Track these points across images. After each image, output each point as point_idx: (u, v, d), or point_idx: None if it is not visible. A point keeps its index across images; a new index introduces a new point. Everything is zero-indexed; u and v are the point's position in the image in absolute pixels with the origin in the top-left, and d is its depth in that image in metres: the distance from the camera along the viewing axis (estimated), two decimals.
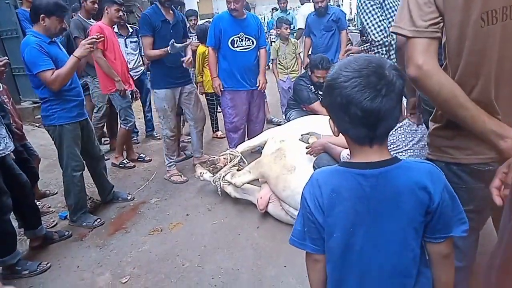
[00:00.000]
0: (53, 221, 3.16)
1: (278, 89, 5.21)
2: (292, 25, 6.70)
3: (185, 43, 3.47)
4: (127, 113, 4.03)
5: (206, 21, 6.16)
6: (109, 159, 4.42)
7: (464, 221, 0.97)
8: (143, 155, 4.40)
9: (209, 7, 16.99)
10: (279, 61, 5.03)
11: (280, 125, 4.86)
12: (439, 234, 0.96)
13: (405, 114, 0.95)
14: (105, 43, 3.76)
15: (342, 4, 16.18)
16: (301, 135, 2.86)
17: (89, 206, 3.28)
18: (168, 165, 3.78)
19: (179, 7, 5.02)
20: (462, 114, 1.14)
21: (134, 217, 3.17)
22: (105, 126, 4.68)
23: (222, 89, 3.75)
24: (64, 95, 2.80)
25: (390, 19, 2.75)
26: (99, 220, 3.09)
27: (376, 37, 2.76)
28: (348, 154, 2.23)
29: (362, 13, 2.79)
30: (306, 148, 2.62)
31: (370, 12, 2.74)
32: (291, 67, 5.04)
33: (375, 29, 2.77)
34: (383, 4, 2.76)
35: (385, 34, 2.75)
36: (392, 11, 2.77)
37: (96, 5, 4.18)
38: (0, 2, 5.45)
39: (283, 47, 4.99)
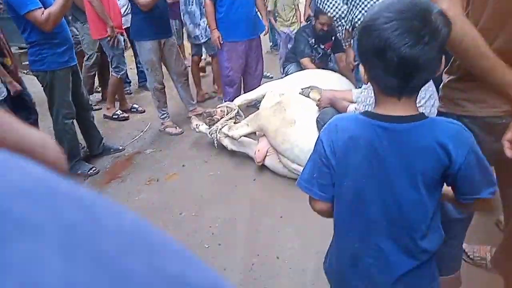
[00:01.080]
0: None
1: (275, 46, 5.05)
2: None
3: None
4: (119, 60, 3.89)
5: None
6: (101, 108, 4.33)
7: (492, 183, 0.93)
8: (136, 106, 4.31)
9: None
10: (278, 12, 4.84)
11: (271, 79, 4.80)
12: (466, 196, 0.94)
13: (442, 67, 0.88)
14: None
15: None
16: (302, 89, 2.82)
17: (82, 155, 3.23)
18: (161, 117, 3.72)
19: None
20: (482, 64, 1.11)
21: (129, 167, 3.16)
22: (96, 75, 4.51)
23: (221, 42, 3.61)
24: (54, 38, 2.65)
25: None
26: (94, 168, 3.06)
27: (332, 13, 3.05)
28: (355, 108, 2.21)
29: None
30: (316, 104, 2.60)
31: None
32: (291, 19, 4.85)
33: (328, 6, 3.05)
34: None
35: (339, 7, 3.02)
36: None
37: None
38: None
39: None
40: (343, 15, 3.06)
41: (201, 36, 4.19)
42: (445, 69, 1.33)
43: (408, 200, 0.93)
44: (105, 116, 4.10)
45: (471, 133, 0.92)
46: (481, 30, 1.11)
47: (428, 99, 1.89)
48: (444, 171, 0.90)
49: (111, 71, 4.01)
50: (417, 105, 1.89)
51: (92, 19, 3.73)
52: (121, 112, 4.14)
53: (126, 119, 4.12)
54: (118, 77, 3.95)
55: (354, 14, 3.01)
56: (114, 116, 4.09)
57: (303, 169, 1.06)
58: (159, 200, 2.68)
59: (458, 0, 1.11)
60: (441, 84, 1.36)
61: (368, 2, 2.89)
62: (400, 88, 0.87)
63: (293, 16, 4.89)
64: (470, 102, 1.23)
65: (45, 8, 2.50)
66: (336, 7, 3.04)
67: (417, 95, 0.93)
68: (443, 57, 0.87)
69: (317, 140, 1.02)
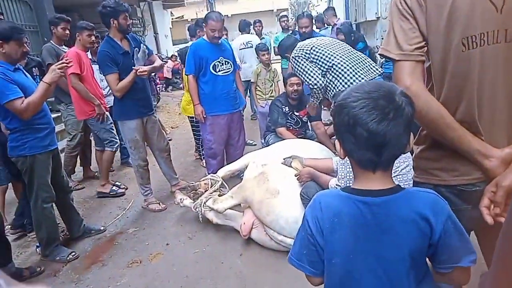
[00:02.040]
0: None
1: (256, 114, 5.24)
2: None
3: (144, 50, 3.42)
4: (110, 134, 3.93)
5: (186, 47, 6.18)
6: (84, 187, 4.28)
7: (472, 251, 0.95)
8: (118, 183, 4.26)
9: (182, 32, 17.16)
10: (258, 86, 5.06)
11: (254, 146, 4.89)
12: (446, 264, 0.95)
13: (412, 145, 0.94)
14: (82, 68, 3.71)
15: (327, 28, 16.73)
16: (284, 159, 2.86)
17: (62, 238, 3.11)
18: (144, 194, 3.67)
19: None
20: (449, 134, 1.17)
21: (111, 249, 3.03)
22: (78, 155, 4.50)
23: (205, 116, 3.72)
24: (35, 123, 2.68)
25: (319, 66, 3.28)
26: (73, 253, 2.93)
27: (314, 82, 3.30)
28: (337, 185, 2.24)
29: (297, 71, 3.41)
30: (295, 175, 2.64)
31: (302, 64, 3.34)
32: (269, 93, 5.08)
33: (310, 77, 3.31)
34: (310, 57, 3.31)
35: (319, 78, 3.29)
36: (318, 61, 3.28)
37: (67, 31, 4.11)
38: None
39: (264, 73, 5.03)
40: (320, 87, 3.32)
41: None
42: (414, 140, 1.39)
43: (395, 272, 0.94)
44: (100, 194, 4.03)
45: (446, 202, 0.96)
46: (444, 103, 1.19)
47: (405, 167, 1.94)
48: (428, 241, 0.92)
49: (105, 147, 4.04)
50: (394, 175, 1.95)
51: (77, 101, 3.84)
52: (117, 187, 4.11)
53: (123, 194, 4.07)
54: (113, 150, 3.96)
55: (335, 85, 3.21)
56: (111, 193, 4.05)
57: (293, 245, 1.08)
58: (142, 284, 2.54)
59: (419, 76, 1.21)
60: (413, 155, 1.41)
61: (348, 75, 3.12)
62: (373, 162, 0.92)
63: (272, 91, 5.11)
64: (443, 171, 1.26)
65: (26, 95, 2.55)
66: (315, 79, 3.28)
67: (392, 168, 0.97)
68: (411, 135, 0.93)
69: (303, 218, 1.05)
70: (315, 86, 3.33)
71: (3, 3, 6.16)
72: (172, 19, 18.86)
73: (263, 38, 7.12)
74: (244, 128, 4.13)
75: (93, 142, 4.69)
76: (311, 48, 3.32)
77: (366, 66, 3.29)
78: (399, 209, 0.92)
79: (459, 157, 1.21)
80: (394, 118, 0.86)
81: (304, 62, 3.32)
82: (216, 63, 3.67)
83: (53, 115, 5.41)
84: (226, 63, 3.74)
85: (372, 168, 0.93)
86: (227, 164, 3.67)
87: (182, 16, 21.90)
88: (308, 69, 3.31)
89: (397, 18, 1.22)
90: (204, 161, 4.79)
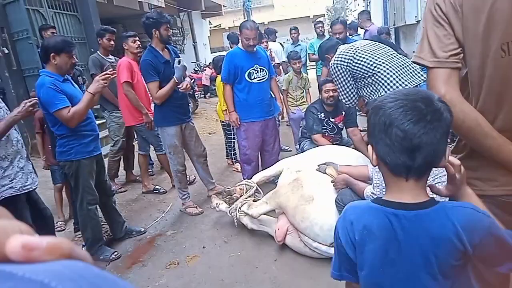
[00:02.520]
0: None
1: (288, 121, 5.28)
2: (302, 56, 6.87)
3: (184, 64, 3.54)
4: (159, 140, 4.11)
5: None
6: (126, 191, 4.48)
7: None
8: (158, 187, 4.42)
9: (219, 41, 17.51)
10: (289, 93, 5.08)
11: (289, 152, 4.91)
12: (489, 268, 0.94)
13: (447, 159, 0.91)
14: (133, 76, 3.91)
15: (359, 34, 16.50)
16: (318, 165, 2.86)
17: (105, 239, 3.28)
18: (182, 197, 3.79)
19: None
20: (487, 143, 1.14)
21: (150, 250, 3.15)
22: (121, 159, 4.72)
23: (239, 123, 3.81)
24: (81, 130, 2.85)
25: (362, 73, 3.10)
26: (116, 253, 3.08)
27: (345, 100, 3.27)
28: (372, 193, 2.22)
29: (336, 80, 3.29)
30: (331, 182, 2.64)
31: (342, 77, 3.19)
32: (300, 99, 5.10)
33: (345, 93, 3.24)
34: (351, 64, 3.12)
35: (351, 101, 3.26)
36: (361, 67, 3.09)
37: (112, 42, 4.34)
38: (24, 43, 5.73)
39: (295, 80, 5.06)
40: (352, 105, 3.39)
41: None
42: (451, 149, 1.35)
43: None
44: (144, 191, 4.36)
45: (485, 214, 0.91)
46: (481, 111, 1.16)
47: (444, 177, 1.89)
48: (461, 256, 0.89)
49: (156, 151, 4.30)
50: (437, 181, 1.87)
51: (127, 108, 4.06)
52: (157, 190, 4.38)
53: (165, 192, 4.35)
54: (163, 153, 4.13)
55: (377, 90, 3.12)
56: (155, 190, 4.36)
57: (333, 258, 1.09)
58: (180, 285, 2.63)
59: (454, 84, 1.18)
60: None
61: (391, 81, 3.04)
62: (406, 167, 0.89)
63: (302, 97, 5.12)
64: (482, 181, 1.22)
65: (73, 104, 2.74)
66: (349, 98, 3.28)
67: (425, 180, 0.93)
68: (448, 149, 0.91)
69: (335, 229, 1.06)
70: (347, 103, 3.33)
71: (55, 17, 6.61)
72: (210, 28, 19.29)
73: (299, 45, 7.14)
74: (279, 134, 4.16)
75: (136, 147, 4.92)
76: (354, 54, 3.18)
77: (411, 72, 3.12)
78: (432, 225, 0.89)
79: (499, 167, 1.17)
80: (431, 121, 0.84)
81: (344, 74, 3.18)
82: (251, 71, 3.74)
83: (98, 122, 5.73)
84: (261, 70, 3.80)
85: (405, 174, 0.90)
86: (262, 170, 3.72)
87: (220, 25, 22.38)
88: (346, 84, 3.20)
89: (431, 25, 1.19)
90: (235, 165, 4.92)
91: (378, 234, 0.94)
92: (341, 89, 3.29)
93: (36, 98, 2.59)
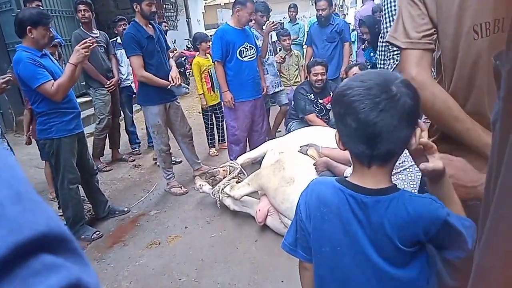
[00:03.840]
0: None
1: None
2: (300, 36, 6.70)
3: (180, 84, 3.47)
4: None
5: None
6: (112, 169, 4.44)
7: (462, 248, 0.88)
8: (126, 157, 4.58)
9: (213, 18, 17.17)
10: (282, 72, 4.95)
11: (279, 132, 4.86)
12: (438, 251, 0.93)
13: (417, 143, 0.86)
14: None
15: (347, 14, 16.26)
16: (300, 147, 2.83)
17: (87, 218, 3.26)
18: (167, 177, 3.76)
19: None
20: (457, 126, 1.11)
21: (133, 230, 3.14)
22: (107, 137, 4.66)
23: (234, 102, 3.72)
24: (62, 107, 2.78)
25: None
26: (98, 232, 3.06)
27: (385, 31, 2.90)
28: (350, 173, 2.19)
29: (386, 12, 2.89)
30: (313, 164, 2.60)
31: (392, 12, 2.81)
32: (294, 78, 4.97)
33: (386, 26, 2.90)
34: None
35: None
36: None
37: (86, 14, 4.14)
38: (7, 15, 5.56)
39: (287, 58, 4.93)
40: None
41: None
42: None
43: (386, 273, 0.91)
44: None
45: (442, 204, 0.89)
46: (453, 94, 1.13)
47: (411, 165, 1.86)
48: (416, 243, 0.89)
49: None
50: (397, 170, 1.85)
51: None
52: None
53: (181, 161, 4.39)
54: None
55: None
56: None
57: (288, 230, 1.09)
58: (160, 265, 2.63)
59: (426, 66, 1.14)
60: None
61: None
62: (366, 156, 0.87)
63: (297, 76, 4.98)
64: None
65: (54, 79, 2.66)
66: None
67: (390, 167, 0.92)
68: (416, 131, 0.87)
69: (297, 203, 1.05)
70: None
71: None
72: (205, 3, 18.87)
73: (297, 23, 6.93)
74: (267, 115, 4.11)
75: (122, 125, 4.86)
76: None
77: None
78: (390, 212, 0.88)
79: (471, 151, 1.15)
80: (385, 108, 0.81)
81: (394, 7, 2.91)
82: (242, 49, 3.65)
83: (84, 99, 5.66)
84: (251, 48, 3.72)
85: (367, 162, 0.88)
86: (248, 151, 3.68)
87: (215, 0, 21.87)
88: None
89: (405, 3, 1.15)
90: (211, 150, 4.81)
91: (337, 213, 0.93)
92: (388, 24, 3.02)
93: (10, 75, 2.51)
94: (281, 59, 4.70)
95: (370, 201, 0.89)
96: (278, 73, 4.64)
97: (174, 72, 3.47)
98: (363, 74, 0.90)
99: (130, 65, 4.46)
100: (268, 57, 4.35)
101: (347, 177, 0.98)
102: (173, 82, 3.38)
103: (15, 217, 0.25)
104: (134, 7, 3.31)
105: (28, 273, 0.24)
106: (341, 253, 0.94)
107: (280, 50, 5.22)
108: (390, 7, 2.93)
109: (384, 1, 3.04)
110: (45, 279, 0.24)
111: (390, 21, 2.93)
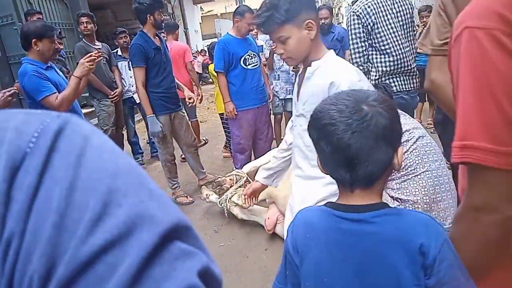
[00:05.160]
0: None
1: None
2: None
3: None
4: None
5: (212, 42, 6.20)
6: None
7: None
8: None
9: (211, 27, 17.30)
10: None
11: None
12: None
13: (400, 161, 0.83)
14: None
15: (342, 22, 16.45)
16: None
17: None
18: (172, 187, 3.76)
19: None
20: None
21: None
22: None
23: (236, 113, 3.74)
24: None
25: (375, 46, 2.67)
26: None
27: (353, 59, 2.74)
28: None
29: (349, 30, 2.77)
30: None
31: (355, 32, 2.70)
32: None
33: (354, 51, 2.72)
34: (372, 28, 2.65)
35: (362, 61, 2.69)
36: (381, 39, 2.64)
37: (88, 26, 4.18)
38: (8, 29, 5.59)
39: (300, 66, 4.92)
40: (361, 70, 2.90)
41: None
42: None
43: None
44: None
45: (441, 225, 0.84)
46: None
47: (433, 162, 1.88)
48: (422, 267, 0.79)
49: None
50: (422, 170, 1.84)
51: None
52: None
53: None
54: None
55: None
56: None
57: (279, 268, 1.00)
58: None
59: (445, 69, 1.19)
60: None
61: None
62: (348, 181, 0.82)
63: None
64: None
65: (59, 91, 2.67)
66: (360, 59, 2.76)
67: (377, 189, 0.85)
68: (398, 151, 0.82)
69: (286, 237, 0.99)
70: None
71: (41, 3, 6.44)
72: (202, 14, 19.04)
73: None
74: (271, 122, 4.14)
75: (125, 136, 4.87)
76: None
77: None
78: (383, 228, 0.81)
79: None
80: (358, 129, 0.77)
81: (357, 28, 2.69)
82: (246, 57, 3.70)
83: (88, 110, 5.66)
84: (254, 56, 3.76)
85: (349, 186, 0.83)
86: (253, 160, 3.70)
87: (212, 10, 22.08)
88: (357, 40, 2.72)
89: (434, 14, 1.33)
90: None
91: (323, 237, 0.86)
92: (352, 45, 2.78)
93: (15, 88, 2.51)
94: (294, 69, 4.73)
95: (363, 218, 0.83)
96: (292, 81, 4.67)
97: (187, 92, 3.63)
98: (335, 95, 0.86)
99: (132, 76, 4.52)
100: (283, 64, 4.42)
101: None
102: (191, 101, 3.64)
103: (155, 212, 0.29)
104: (148, 18, 3.33)
105: (172, 257, 0.28)
106: (327, 285, 0.86)
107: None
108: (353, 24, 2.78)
109: (347, 21, 2.88)
110: (184, 263, 0.28)
111: (352, 40, 2.78)
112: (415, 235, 0.78)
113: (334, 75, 1.41)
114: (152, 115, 3.42)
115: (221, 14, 20.52)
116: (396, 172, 2.00)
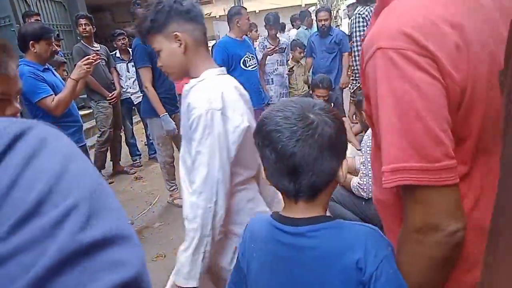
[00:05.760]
0: None
1: None
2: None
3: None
4: None
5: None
6: (113, 182, 4.42)
7: None
8: (127, 169, 4.67)
9: (210, 29, 17.32)
10: (290, 82, 4.88)
11: None
12: None
13: (344, 174, 0.81)
14: None
15: (340, 25, 16.48)
16: None
17: None
18: (170, 189, 3.75)
19: None
20: None
21: None
22: (108, 150, 4.65)
23: None
24: (64, 121, 2.76)
25: None
26: None
27: (357, 61, 2.79)
28: (358, 183, 2.20)
29: (354, 32, 2.82)
30: None
31: (361, 34, 2.77)
32: (302, 88, 4.92)
33: (359, 53, 2.77)
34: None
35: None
36: None
37: (87, 28, 4.16)
38: (6, 30, 5.58)
39: (295, 69, 4.87)
40: None
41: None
42: None
43: None
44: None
45: (388, 240, 0.80)
46: None
47: None
48: (356, 283, 0.76)
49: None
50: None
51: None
52: None
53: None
54: None
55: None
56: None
57: (230, 276, 0.99)
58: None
59: None
60: None
61: None
62: (291, 191, 0.79)
63: (304, 87, 4.92)
64: None
65: (55, 93, 2.66)
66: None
67: (321, 201, 0.83)
68: (343, 164, 0.81)
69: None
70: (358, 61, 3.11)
71: (40, 4, 6.44)
72: None
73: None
74: None
75: (123, 138, 4.86)
76: None
77: None
78: (321, 242, 0.78)
79: None
80: (302, 138, 0.74)
81: (362, 24, 2.86)
82: (245, 59, 3.72)
83: (86, 112, 5.65)
84: (252, 58, 3.78)
85: (293, 197, 0.80)
86: None
87: (210, 13, 22.10)
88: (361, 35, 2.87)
89: None
90: None
91: (264, 249, 0.85)
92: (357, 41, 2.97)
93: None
94: (289, 72, 4.73)
95: (300, 232, 0.80)
96: (286, 84, 4.69)
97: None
98: (282, 102, 0.84)
99: (136, 78, 4.49)
100: (277, 67, 4.41)
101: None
102: None
103: (91, 219, 0.28)
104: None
105: (93, 266, 0.26)
106: None
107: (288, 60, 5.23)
108: (358, 26, 2.83)
109: (352, 23, 2.94)
110: (106, 275, 0.27)
111: (356, 42, 2.83)
112: (352, 251, 0.76)
113: (194, 97, 1.27)
114: (165, 113, 3.38)
115: (219, 16, 20.53)
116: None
